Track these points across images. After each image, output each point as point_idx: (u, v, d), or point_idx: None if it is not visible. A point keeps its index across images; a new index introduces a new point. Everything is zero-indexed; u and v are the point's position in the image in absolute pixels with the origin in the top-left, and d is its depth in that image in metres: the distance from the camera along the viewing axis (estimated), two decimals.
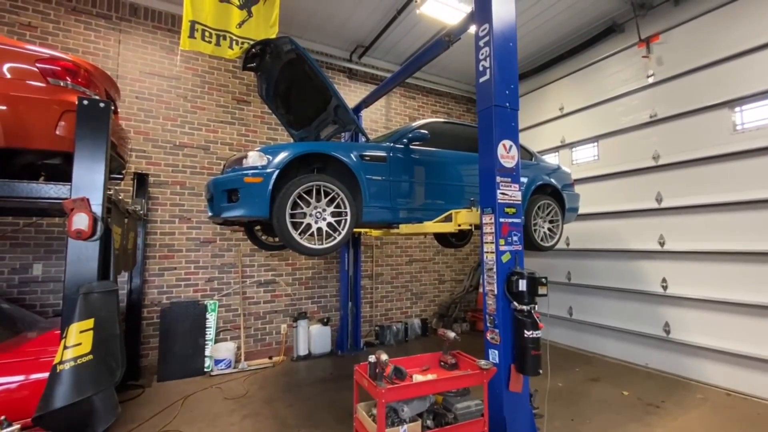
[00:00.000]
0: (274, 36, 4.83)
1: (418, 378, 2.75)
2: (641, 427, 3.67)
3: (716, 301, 4.66)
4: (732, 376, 4.51)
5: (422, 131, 3.84)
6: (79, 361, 2.21)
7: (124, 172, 4.18)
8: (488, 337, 3.08)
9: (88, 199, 2.43)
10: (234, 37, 4.71)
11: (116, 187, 4.76)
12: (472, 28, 3.52)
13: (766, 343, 4.25)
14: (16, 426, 2.34)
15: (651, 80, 5.44)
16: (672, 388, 4.60)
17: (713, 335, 4.69)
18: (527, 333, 2.85)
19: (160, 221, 5.31)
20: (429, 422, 2.65)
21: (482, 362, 2.82)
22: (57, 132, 2.65)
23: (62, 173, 2.95)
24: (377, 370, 2.60)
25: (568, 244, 6.59)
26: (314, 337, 5.96)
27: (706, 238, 4.81)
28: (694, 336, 4.86)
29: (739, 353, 4.43)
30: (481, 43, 3.25)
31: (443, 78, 7.92)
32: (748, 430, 3.60)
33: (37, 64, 2.66)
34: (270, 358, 5.72)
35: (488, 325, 3.09)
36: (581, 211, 5.37)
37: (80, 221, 2.36)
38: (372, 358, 2.64)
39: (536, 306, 2.97)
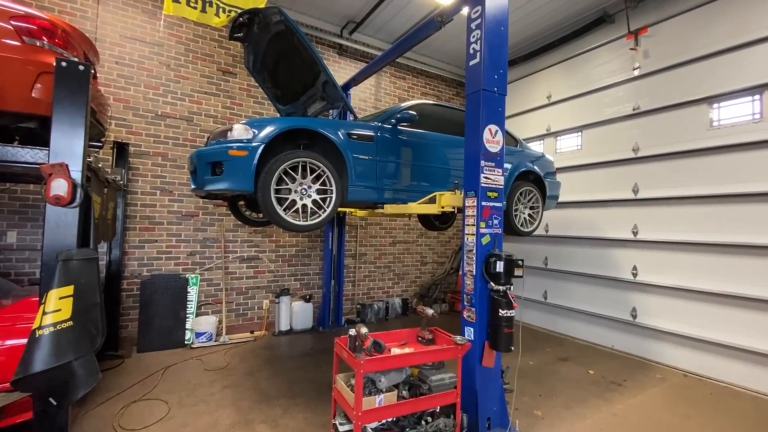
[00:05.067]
0: (262, 5, 4.69)
1: (395, 351, 2.86)
2: (603, 402, 3.92)
3: (681, 289, 4.93)
4: (690, 358, 4.82)
5: (411, 112, 3.85)
6: (58, 327, 2.22)
7: (103, 140, 4.08)
8: (465, 315, 3.21)
9: (66, 165, 2.38)
10: (221, 4, 4.55)
11: (95, 155, 4.63)
12: (465, 10, 3.50)
13: (723, 329, 4.55)
14: None
15: (637, 73, 5.54)
16: (634, 369, 4.89)
17: (676, 321, 4.98)
18: (502, 312, 2.99)
19: (141, 192, 5.21)
20: (405, 392, 2.78)
21: (458, 338, 2.94)
22: (33, 94, 2.56)
23: (38, 137, 2.86)
24: (357, 343, 2.69)
25: (547, 231, 6.78)
26: (296, 313, 6.04)
27: (677, 229, 5.03)
28: (658, 321, 5.15)
29: (698, 338, 4.72)
30: (472, 26, 3.25)
31: (435, 60, 7.85)
32: (699, 408, 3.88)
33: (12, 22, 2.54)
34: (251, 332, 5.79)
35: (465, 303, 3.21)
36: (562, 199, 5.52)
37: (59, 187, 2.31)
38: (352, 332, 2.72)
39: (512, 287, 3.09)
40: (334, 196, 3.37)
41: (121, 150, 4.89)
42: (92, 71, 2.77)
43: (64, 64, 2.50)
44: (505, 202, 3.56)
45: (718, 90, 4.70)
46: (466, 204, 3.25)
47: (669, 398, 4.08)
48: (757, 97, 4.45)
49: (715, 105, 4.81)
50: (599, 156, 6.04)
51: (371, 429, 2.62)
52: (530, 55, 7.13)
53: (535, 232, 4.94)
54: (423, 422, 2.81)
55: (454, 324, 4.04)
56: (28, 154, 2.54)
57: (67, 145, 2.46)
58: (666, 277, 5.10)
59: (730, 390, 4.32)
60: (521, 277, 3.06)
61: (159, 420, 3.32)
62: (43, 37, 2.63)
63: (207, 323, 5.29)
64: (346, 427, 2.70)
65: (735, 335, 4.44)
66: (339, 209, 5.01)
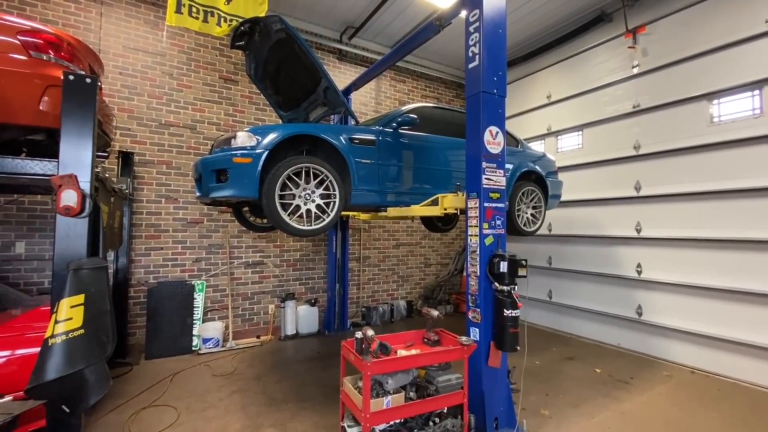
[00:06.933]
0: (263, 14, 4.74)
1: (402, 353, 2.88)
2: (610, 401, 3.92)
3: (686, 285, 4.92)
4: (697, 355, 4.80)
5: (411, 116, 3.89)
6: (70, 335, 2.26)
7: (109, 150, 4.14)
8: (470, 316, 3.23)
9: (76, 176, 2.43)
10: (222, 14, 4.61)
11: (102, 165, 4.68)
12: (463, 13, 3.53)
13: (729, 325, 4.53)
14: (8, 398, 2.38)
15: (636, 71, 5.55)
16: (641, 366, 4.88)
17: (681, 317, 4.97)
18: (507, 312, 3.00)
19: (146, 201, 5.27)
20: (412, 394, 2.80)
21: (463, 339, 2.96)
22: (41, 107, 2.62)
23: (45, 149, 2.91)
24: (363, 346, 2.71)
25: (550, 230, 6.78)
26: (302, 318, 6.06)
27: (680, 226, 5.03)
28: (663, 318, 5.14)
29: (705, 334, 4.71)
30: (471, 29, 3.28)
31: (434, 62, 7.89)
32: (708, 405, 3.87)
33: (19, 37, 2.60)
34: (258, 337, 5.82)
35: (470, 304, 3.23)
36: (564, 198, 5.54)
37: (69, 198, 2.36)
38: (359, 334, 2.75)
39: (516, 287, 3.11)
40: (337, 200, 3.40)
41: (126, 159, 4.95)
42: (98, 83, 2.82)
43: (71, 77, 2.55)
44: (507, 203, 3.58)
45: (718, 86, 4.70)
46: (469, 205, 3.27)
47: (677, 395, 4.07)
48: (756, 92, 4.46)
49: (715, 101, 4.82)
50: (601, 154, 6.05)
51: (379, 431, 2.64)
52: (529, 56, 7.15)
53: (539, 232, 4.96)
54: (431, 423, 2.83)
55: (459, 325, 4.06)
56: (38, 166, 2.60)
57: (76, 157, 2.51)
58: (671, 273, 5.09)
59: (738, 386, 4.30)
60: (525, 276, 3.08)
61: (169, 426, 3.34)
62: (50, 51, 2.69)
63: (214, 329, 5.32)
64: (355, 430, 2.72)
65: (741, 331, 4.43)
66: (342, 213, 5.06)
